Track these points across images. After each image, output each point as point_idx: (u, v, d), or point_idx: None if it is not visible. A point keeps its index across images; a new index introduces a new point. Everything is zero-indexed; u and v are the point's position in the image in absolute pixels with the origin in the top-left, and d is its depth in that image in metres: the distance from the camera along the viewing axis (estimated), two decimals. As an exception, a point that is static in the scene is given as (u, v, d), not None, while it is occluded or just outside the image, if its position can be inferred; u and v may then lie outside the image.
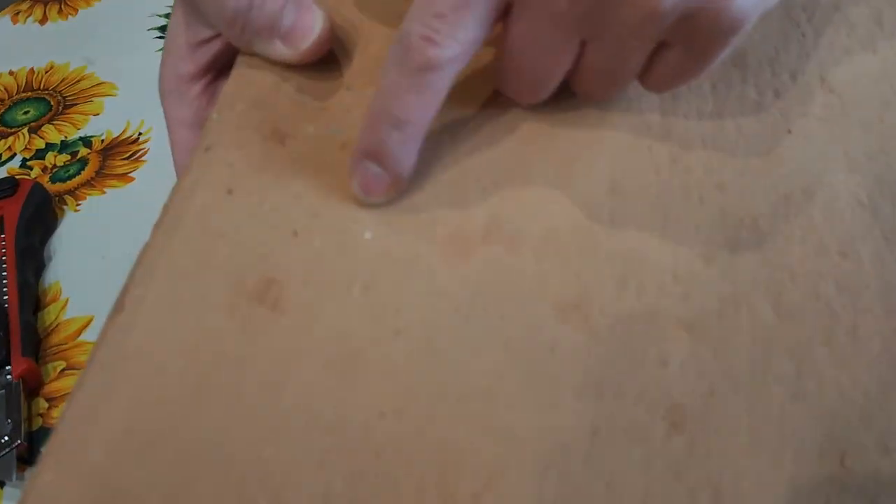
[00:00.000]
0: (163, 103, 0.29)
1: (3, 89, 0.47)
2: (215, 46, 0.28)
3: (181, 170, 0.28)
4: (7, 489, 0.31)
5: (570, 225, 0.23)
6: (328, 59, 0.24)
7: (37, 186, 0.39)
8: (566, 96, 0.25)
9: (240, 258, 0.21)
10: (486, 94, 0.25)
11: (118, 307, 0.20)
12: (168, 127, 0.29)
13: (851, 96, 0.27)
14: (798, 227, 0.24)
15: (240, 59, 0.25)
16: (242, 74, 0.24)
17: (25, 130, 0.44)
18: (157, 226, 0.21)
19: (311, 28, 0.23)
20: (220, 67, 0.29)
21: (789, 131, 0.26)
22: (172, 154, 0.29)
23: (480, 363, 0.20)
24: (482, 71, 0.25)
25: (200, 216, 0.21)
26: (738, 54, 0.27)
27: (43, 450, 0.18)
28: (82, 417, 0.18)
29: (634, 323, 0.21)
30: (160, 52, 0.47)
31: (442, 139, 0.24)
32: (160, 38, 0.49)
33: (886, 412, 0.21)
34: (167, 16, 0.51)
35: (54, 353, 0.35)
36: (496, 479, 0.18)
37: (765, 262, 0.23)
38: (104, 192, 0.41)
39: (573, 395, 0.20)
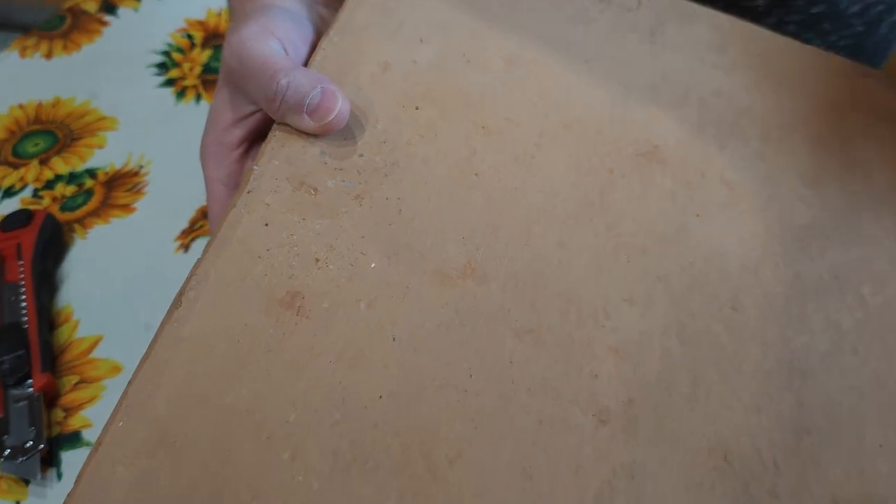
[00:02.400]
0: (204, 165, 0.35)
1: (14, 122, 0.52)
2: (254, 119, 0.34)
3: (215, 219, 0.34)
4: (31, 487, 0.36)
5: (527, 269, 0.29)
6: (345, 131, 0.30)
7: (49, 217, 0.44)
8: (531, 173, 0.31)
9: (273, 275, 0.26)
10: (463, 165, 0.31)
11: (176, 303, 0.26)
12: (207, 185, 0.35)
13: (744, 191, 0.34)
14: (699, 282, 0.30)
15: (276, 126, 0.31)
16: (278, 138, 0.30)
17: (36, 162, 0.49)
18: (208, 245, 0.27)
19: (332, 109, 0.29)
20: (255, 137, 0.34)
21: (697, 215, 0.32)
22: (209, 206, 0.35)
23: (456, 364, 0.26)
24: (462, 145, 0.32)
25: (243, 240, 0.27)
26: (659, 160, 0.34)
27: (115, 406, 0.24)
28: (147, 381, 0.24)
29: (574, 345, 0.27)
30: (157, 88, 0.52)
31: (430, 202, 0.30)
32: (158, 74, 0.54)
33: (758, 418, 0.27)
34: (163, 53, 0.55)
35: (69, 369, 0.40)
36: (466, 447, 0.24)
37: (673, 306, 0.29)
38: (109, 222, 0.46)
39: (526, 394, 0.26)
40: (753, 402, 0.28)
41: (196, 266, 0.27)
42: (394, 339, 0.26)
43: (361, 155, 0.30)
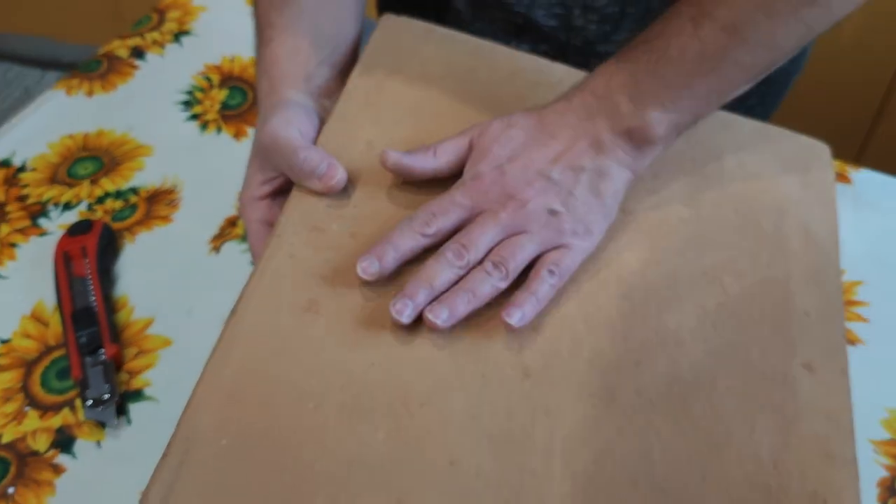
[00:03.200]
0: (244, 213, 0.47)
1: (65, 149, 0.62)
2: (278, 181, 0.47)
3: (256, 250, 0.46)
4: (108, 430, 0.47)
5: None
6: (343, 190, 0.43)
7: (106, 225, 0.55)
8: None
9: (297, 289, 0.39)
10: None
11: (234, 311, 0.38)
12: (248, 227, 0.47)
13: (640, 217, 0.46)
14: (602, 283, 0.42)
15: (295, 188, 0.44)
16: (297, 196, 0.43)
17: (87, 182, 0.60)
18: (254, 272, 0.39)
19: (334, 176, 0.42)
20: (277, 193, 0.47)
21: (609, 239, 0.44)
22: (251, 241, 0.47)
23: (423, 350, 0.38)
24: None
25: (276, 268, 0.40)
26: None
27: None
28: (217, 360, 0.36)
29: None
30: (184, 122, 0.64)
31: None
32: (184, 110, 0.65)
33: (639, 370, 0.40)
34: (187, 92, 0.67)
35: (129, 343, 0.51)
36: (433, 397, 0.36)
37: (582, 301, 0.41)
38: (152, 230, 0.57)
39: (473, 361, 0.38)
40: (634, 359, 0.40)
41: (245, 287, 0.39)
42: (382, 327, 0.38)
43: (355, 206, 0.43)
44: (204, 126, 0.64)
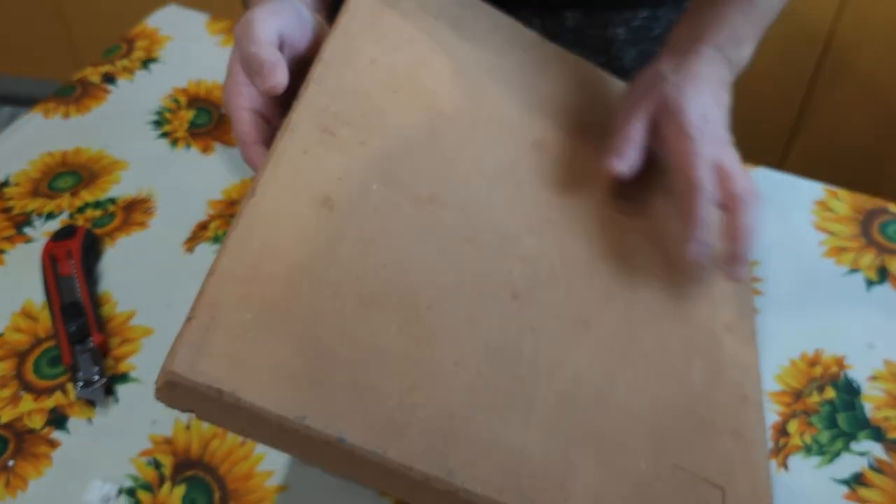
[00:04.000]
0: (229, 101, 0.48)
1: (45, 165, 0.68)
2: None
3: (245, 137, 0.48)
4: (98, 408, 0.52)
5: (465, 200, 0.46)
6: (352, 101, 0.47)
7: (88, 231, 0.61)
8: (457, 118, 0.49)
9: (311, 185, 0.42)
10: (423, 125, 0.49)
11: (251, 193, 0.40)
12: (234, 114, 0.48)
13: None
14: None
15: (306, 85, 0.46)
16: (309, 95, 0.45)
17: (68, 194, 0.65)
18: (265, 162, 0.42)
19: (271, 79, 0.46)
20: None
21: None
22: (238, 128, 0.48)
23: (431, 257, 0.43)
24: None
25: (292, 163, 0.42)
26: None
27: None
28: (238, 237, 0.38)
29: (498, 253, 0.45)
30: (156, 139, 0.69)
31: (405, 146, 0.48)
32: (154, 129, 0.71)
33: (605, 304, 0.46)
34: (157, 113, 0.73)
35: (114, 333, 0.56)
36: (438, 303, 0.41)
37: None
38: (131, 234, 0.63)
39: (472, 278, 0.44)
40: (602, 295, 0.47)
41: (261, 173, 0.41)
42: (391, 232, 0.42)
43: (363, 117, 0.46)
44: (174, 143, 0.70)
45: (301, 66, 0.49)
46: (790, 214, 0.65)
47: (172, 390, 0.34)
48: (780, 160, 1.47)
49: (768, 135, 1.45)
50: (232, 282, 0.37)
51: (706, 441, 0.45)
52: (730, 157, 0.51)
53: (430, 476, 0.36)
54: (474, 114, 0.52)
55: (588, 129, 0.56)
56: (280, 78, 0.45)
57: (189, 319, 0.36)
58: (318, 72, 0.47)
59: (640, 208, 0.55)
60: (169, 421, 0.51)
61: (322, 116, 0.45)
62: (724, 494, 0.44)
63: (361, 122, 0.46)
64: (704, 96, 0.52)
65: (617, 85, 0.62)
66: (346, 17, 0.51)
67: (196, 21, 0.83)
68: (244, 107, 0.48)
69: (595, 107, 0.59)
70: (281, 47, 0.49)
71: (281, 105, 0.49)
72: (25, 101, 1.91)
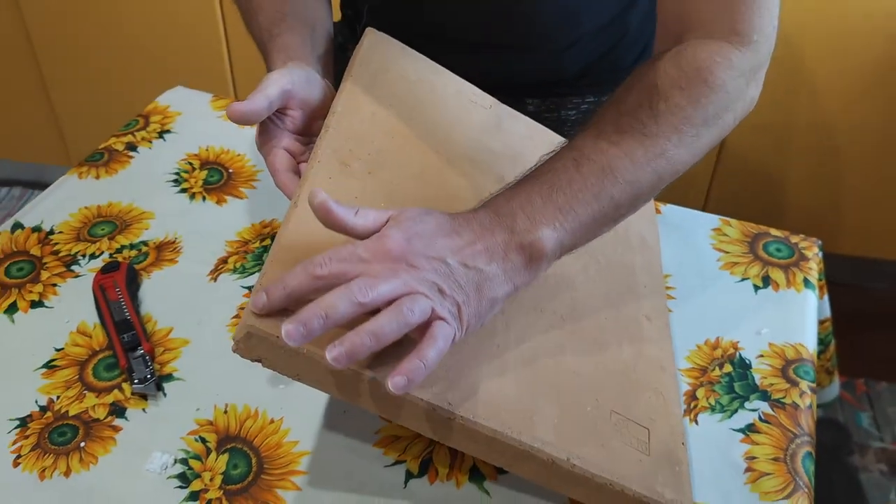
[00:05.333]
0: (270, 159, 0.63)
1: (84, 217, 0.81)
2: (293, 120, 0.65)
3: (280, 168, 0.62)
4: (149, 400, 0.64)
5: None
6: (361, 142, 0.63)
7: (130, 265, 0.74)
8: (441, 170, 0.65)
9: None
10: (418, 165, 0.64)
11: (294, 205, 0.55)
12: (276, 175, 0.63)
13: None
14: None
15: (326, 126, 0.62)
16: (330, 135, 0.61)
17: (106, 238, 0.78)
18: (300, 187, 0.57)
19: (234, 111, 0.61)
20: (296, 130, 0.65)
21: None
22: (275, 163, 0.63)
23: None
24: None
25: (321, 183, 0.57)
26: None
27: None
28: (289, 233, 0.53)
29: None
30: (177, 194, 0.83)
31: (404, 178, 0.63)
32: (174, 186, 0.85)
33: (554, 295, 0.61)
34: (175, 173, 0.87)
35: (157, 344, 0.69)
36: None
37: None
38: (162, 269, 0.76)
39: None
40: (551, 289, 0.62)
41: (297, 191, 0.56)
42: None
43: (368, 154, 0.61)
44: (192, 196, 0.84)
45: (313, 116, 0.66)
46: (693, 239, 0.82)
47: (248, 340, 0.48)
48: (704, 204, 1.70)
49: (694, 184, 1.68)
50: (284, 266, 0.51)
51: (635, 395, 0.60)
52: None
53: (435, 406, 0.50)
54: (449, 152, 0.68)
55: None
56: (237, 112, 0.60)
57: (257, 291, 0.49)
58: (333, 120, 0.63)
59: None
60: (209, 408, 0.64)
61: (339, 153, 0.60)
62: (649, 433, 0.58)
63: (368, 157, 0.62)
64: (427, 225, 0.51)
65: (554, 137, 0.79)
66: (350, 82, 0.67)
67: (201, 100, 0.98)
68: (276, 146, 0.64)
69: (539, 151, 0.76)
70: (289, 98, 0.64)
71: (302, 144, 0.65)
72: (28, 184, 2.02)
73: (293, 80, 0.64)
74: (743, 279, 0.78)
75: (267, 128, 0.64)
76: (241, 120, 0.61)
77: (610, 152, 0.55)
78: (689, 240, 0.82)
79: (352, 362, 0.46)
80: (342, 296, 0.46)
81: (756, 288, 0.77)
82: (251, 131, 0.93)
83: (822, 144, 1.60)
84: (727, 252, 0.81)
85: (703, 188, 1.69)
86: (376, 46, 0.72)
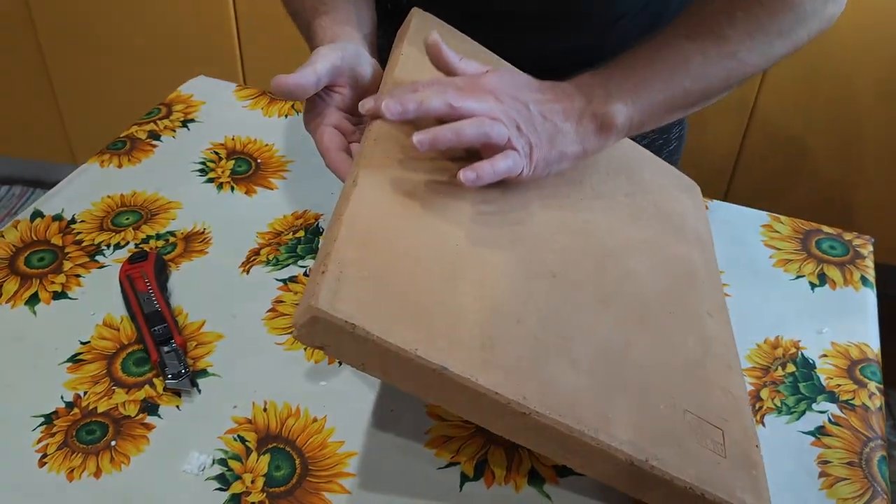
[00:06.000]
0: (321, 140, 0.59)
1: (106, 206, 0.77)
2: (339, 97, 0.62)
3: (332, 146, 0.58)
4: (183, 397, 0.60)
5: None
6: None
7: (159, 255, 0.70)
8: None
9: (397, 180, 0.53)
10: None
11: (353, 183, 0.51)
12: (318, 132, 0.59)
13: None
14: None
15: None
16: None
17: (131, 228, 0.74)
18: (357, 163, 0.53)
19: (280, 82, 0.57)
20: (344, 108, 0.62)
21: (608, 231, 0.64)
22: (325, 141, 0.58)
23: (488, 242, 0.55)
24: None
25: (380, 165, 0.54)
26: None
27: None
28: (351, 215, 0.49)
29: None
30: (204, 183, 0.79)
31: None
32: (200, 176, 0.81)
33: (619, 288, 0.58)
34: (201, 163, 0.83)
35: (189, 338, 0.65)
36: (499, 278, 0.52)
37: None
38: (192, 260, 0.72)
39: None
40: (616, 281, 0.59)
41: (355, 169, 0.53)
42: (459, 219, 0.53)
43: (418, 127, 0.56)
44: (220, 187, 0.80)
45: (363, 94, 0.62)
46: (743, 235, 0.79)
47: (313, 325, 0.44)
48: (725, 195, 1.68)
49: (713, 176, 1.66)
50: (350, 246, 0.48)
51: (705, 394, 0.57)
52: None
53: (510, 400, 0.46)
54: None
55: None
56: (284, 83, 0.56)
57: (322, 272, 0.45)
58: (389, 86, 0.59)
59: (635, 225, 0.67)
60: (247, 405, 0.60)
61: (395, 130, 0.57)
62: (723, 434, 0.55)
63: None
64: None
65: None
66: (401, 59, 0.63)
67: (225, 89, 0.94)
68: (326, 123, 0.60)
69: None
70: (339, 74, 0.60)
71: (352, 123, 0.61)
72: (29, 182, 1.98)
73: (343, 55, 0.60)
74: (798, 277, 0.75)
75: (315, 104, 0.61)
76: (286, 94, 0.57)
77: (685, 46, 0.60)
78: (739, 236, 0.79)
79: (432, 148, 0.53)
80: (438, 93, 0.53)
81: (812, 286, 0.74)
82: (279, 121, 0.89)
83: (844, 134, 1.58)
84: (779, 249, 0.78)
85: (724, 179, 1.67)
86: (423, 26, 0.69)
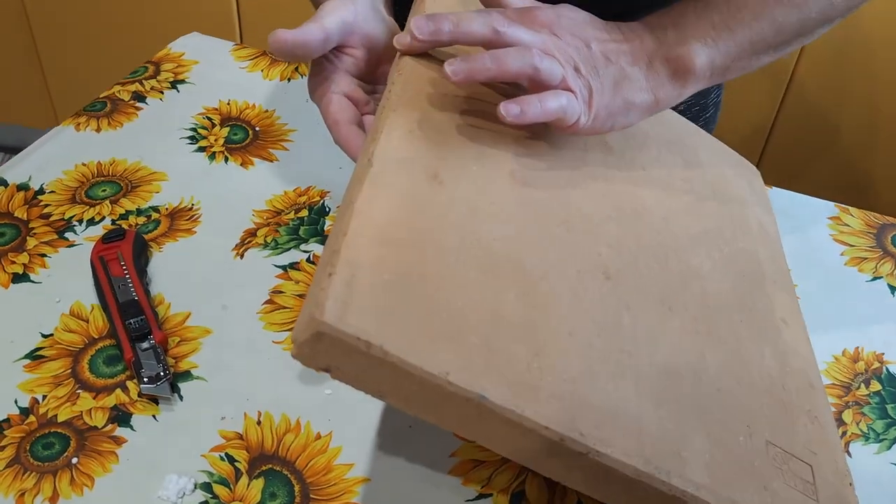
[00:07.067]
0: (327, 109, 0.49)
1: (80, 175, 0.67)
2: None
3: (342, 114, 0.48)
4: (161, 405, 0.50)
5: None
6: (442, 80, 0.48)
7: (138, 233, 0.60)
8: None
9: (422, 160, 0.43)
10: None
11: (368, 163, 0.40)
12: (337, 127, 0.49)
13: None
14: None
15: (398, 65, 0.47)
16: (404, 76, 0.46)
17: (108, 202, 0.64)
18: (375, 139, 0.42)
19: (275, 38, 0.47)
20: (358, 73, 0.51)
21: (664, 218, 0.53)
22: (332, 109, 0.48)
23: (533, 238, 0.44)
24: None
25: (401, 141, 0.43)
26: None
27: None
28: (364, 203, 0.38)
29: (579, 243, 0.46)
30: (192, 153, 0.69)
31: None
32: (190, 144, 0.71)
33: (682, 289, 0.48)
34: (191, 129, 0.73)
35: (171, 332, 0.55)
36: (547, 277, 0.42)
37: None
38: (177, 240, 0.62)
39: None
40: (678, 282, 0.48)
41: (369, 146, 0.42)
42: (499, 205, 0.43)
43: (453, 106, 0.47)
44: (212, 157, 0.70)
45: (379, 58, 0.52)
46: (809, 228, 0.69)
47: (318, 343, 0.34)
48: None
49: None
50: (365, 243, 0.37)
51: (789, 421, 0.47)
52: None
53: (564, 436, 0.37)
54: None
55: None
56: (278, 38, 0.46)
57: (329, 275, 0.35)
58: (407, 61, 0.48)
59: (695, 216, 0.57)
60: (238, 417, 0.50)
61: (419, 100, 0.46)
62: (812, 470, 0.45)
63: (452, 109, 0.48)
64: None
65: None
66: (428, 10, 0.53)
67: (221, 48, 0.84)
68: (334, 91, 0.49)
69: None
70: (350, 33, 0.50)
71: (365, 91, 0.51)
72: (8, 150, 1.87)
73: (356, 10, 0.50)
74: (874, 278, 0.65)
75: (322, 68, 0.50)
76: (286, 54, 0.47)
77: None
78: (803, 229, 0.69)
79: (468, 79, 0.44)
80: (480, 15, 0.45)
81: (892, 289, 0.64)
82: (281, 86, 0.79)
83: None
84: (851, 245, 0.68)
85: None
86: None
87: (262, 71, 0.81)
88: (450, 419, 0.37)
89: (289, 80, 0.80)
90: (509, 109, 0.43)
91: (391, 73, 0.49)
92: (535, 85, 0.45)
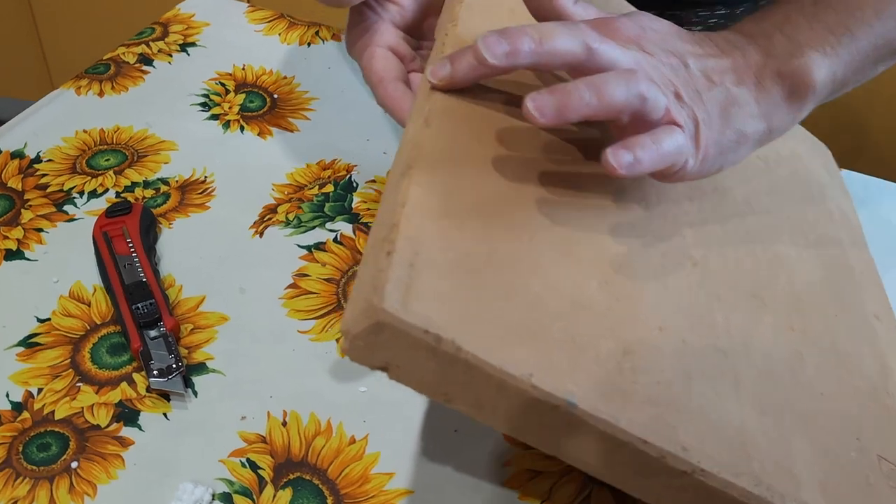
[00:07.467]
0: (370, 66, 0.44)
1: (82, 143, 0.60)
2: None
3: (386, 64, 0.43)
4: (173, 402, 0.44)
5: None
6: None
7: (145, 207, 0.53)
8: None
9: (482, 121, 0.37)
10: None
11: (425, 124, 0.34)
12: (384, 86, 0.43)
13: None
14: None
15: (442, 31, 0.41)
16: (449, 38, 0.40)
17: (111, 172, 0.58)
18: (424, 97, 0.36)
19: None
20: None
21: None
22: (375, 61, 0.43)
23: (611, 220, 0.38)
24: None
25: (457, 95, 0.37)
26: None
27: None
28: (420, 172, 0.32)
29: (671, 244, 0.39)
30: (205, 121, 0.63)
31: None
32: (202, 111, 0.64)
33: (771, 280, 0.42)
34: (203, 95, 0.66)
35: (183, 319, 0.48)
36: (629, 265, 0.36)
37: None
38: (189, 216, 0.55)
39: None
40: (766, 273, 0.43)
41: (423, 105, 0.36)
42: (565, 181, 0.37)
43: None
44: (226, 125, 0.63)
45: (427, 8, 0.47)
46: (886, 215, 0.63)
47: (376, 335, 0.28)
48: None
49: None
50: (427, 215, 0.31)
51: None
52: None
53: (665, 452, 0.30)
54: None
55: None
56: None
57: (388, 253, 0.29)
58: (463, 12, 0.42)
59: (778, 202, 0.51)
60: (261, 417, 0.44)
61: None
62: (927, 490, 0.39)
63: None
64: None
65: None
66: (462, 12, 0.47)
67: (235, 9, 0.77)
68: (378, 44, 0.44)
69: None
70: None
71: (411, 46, 0.45)
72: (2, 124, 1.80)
73: None
74: (958, 270, 0.59)
75: (365, 17, 0.44)
76: None
77: None
78: (881, 216, 0.63)
79: (558, 119, 0.33)
80: (568, 28, 0.34)
81: (979, 282, 0.58)
82: (300, 50, 0.72)
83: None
84: (930, 234, 0.62)
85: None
86: None
87: (279, 35, 0.74)
88: (530, 430, 0.31)
89: (309, 44, 0.73)
90: (621, 160, 0.33)
91: (440, 26, 0.43)
92: (637, 121, 0.35)
